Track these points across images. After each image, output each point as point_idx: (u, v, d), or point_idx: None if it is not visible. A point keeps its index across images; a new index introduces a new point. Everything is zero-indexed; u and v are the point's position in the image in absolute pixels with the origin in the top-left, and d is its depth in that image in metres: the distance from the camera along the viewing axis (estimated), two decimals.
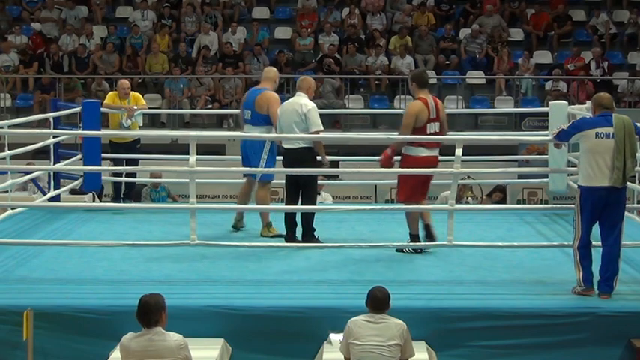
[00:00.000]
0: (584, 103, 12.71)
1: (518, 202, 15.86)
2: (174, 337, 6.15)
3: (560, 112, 10.95)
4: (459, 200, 11.74)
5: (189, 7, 21.30)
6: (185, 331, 6.38)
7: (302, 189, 9.31)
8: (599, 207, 7.62)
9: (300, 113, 9.18)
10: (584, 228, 7.68)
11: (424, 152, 8.77)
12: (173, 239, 8.85)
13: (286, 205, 9.51)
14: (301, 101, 9.25)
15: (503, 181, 13.78)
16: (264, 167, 9.47)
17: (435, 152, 8.88)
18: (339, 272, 8.33)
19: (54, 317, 7.15)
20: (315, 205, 9.54)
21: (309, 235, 9.22)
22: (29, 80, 19.95)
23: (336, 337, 6.89)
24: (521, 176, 12.52)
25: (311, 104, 9.24)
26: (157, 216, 10.82)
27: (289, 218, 9.28)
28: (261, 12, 21.97)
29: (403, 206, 9.05)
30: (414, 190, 8.90)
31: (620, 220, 7.68)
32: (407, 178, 8.88)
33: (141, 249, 8.85)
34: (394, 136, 9.37)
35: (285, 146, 9.32)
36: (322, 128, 9.26)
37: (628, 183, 10.77)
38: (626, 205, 7.86)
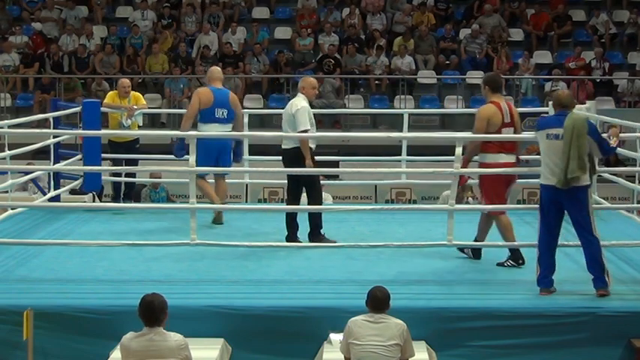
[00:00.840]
0: (584, 103, 12.71)
1: (518, 202, 15.84)
2: (175, 338, 6.15)
3: None
4: (459, 200, 11.73)
5: (189, 7, 21.31)
6: (185, 331, 6.38)
7: (306, 189, 9.33)
8: (554, 206, 7.63)
9: (290, 114, 9.22)
10: (540, 226, 7.74)
11: (503, 158, 8.41)
12: (173, 239, 8.84)
13: (287, 205, 9.51)
14: (294, 102, 9.30)
15: None
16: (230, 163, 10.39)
17: (514, 157, 8.49)
18: (339, 272, 8.33)
19: (54, 317, 7.15)
20: (321, 203, 9.52)
21: (316, 234, 9.23)
22: (29, 80, 19.95)
23: (336, 337, 6.89)
24: (521, 176, 12.51)
25: (301, 104, 9.22)
26: (157, 216, 10.82)
27: (290, 218, 9.28)
28: (261, 12, 21.98)
29: (400, 206, 9.03)
30: (502, 195, 8.49)
31: (585, 219, 7.59)
32: (489, 184, 8.45)
33: (141, 249, 8.85)
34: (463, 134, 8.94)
35: (282, 147, 9.36)
36: (308, 127, 9.20)
37: (627, 182, 10.81)
38: (618, 204, 7.81)
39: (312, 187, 9.34)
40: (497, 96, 8.55)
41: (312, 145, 9.26)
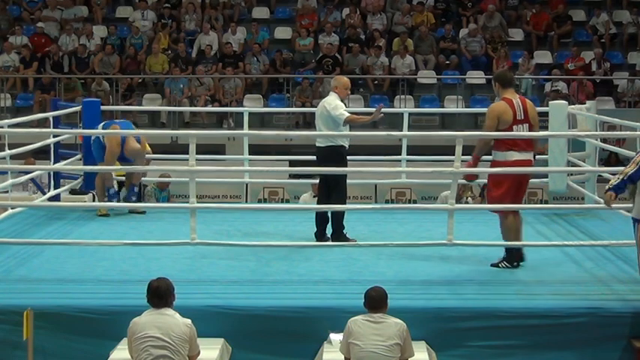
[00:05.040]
0: (584, 103, 12.69)
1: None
2: (183, 318, 6.43)
3: (560, 112, 10.95)
4: (458, 200, 11.73)
5: (190, 6, 21.30)
6: None
7: (332, 188, 9.32)
8: None
9: (324, 112, 9.24)
10: None
11: (515, 155, 8.21)
12: (173, 239, 8.84)
13: (318, 203, 9.54)
14: (328, 100, 9.34)
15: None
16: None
17: (529, 155, 8.28)
18: (339, 272, 8.33)
19: (54, 317, 7.15)
20: (345, 204, 9.49)
21: (339, 233, 9.25)
22: (29, 80, 19.95)
23: (336, 337, 6.89)
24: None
25: (334, 102, 9.25)
26: (157, 216, 10.82)
27: (320, 216, 9.33)
28: (261, 12, 21.98)
29: (400, 205, 9.02)
30: (507, 194, 8.31)
31: None
32: (498, 181, 8.28)
33: (141, 249, 8.85)
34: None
35: (316, 144, 9.38)
36: (341, 112, 9.15)
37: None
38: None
39: (338, 188, 9.32)
40: (509, 92, 8.34)
41: (346, 144, 9.30)
